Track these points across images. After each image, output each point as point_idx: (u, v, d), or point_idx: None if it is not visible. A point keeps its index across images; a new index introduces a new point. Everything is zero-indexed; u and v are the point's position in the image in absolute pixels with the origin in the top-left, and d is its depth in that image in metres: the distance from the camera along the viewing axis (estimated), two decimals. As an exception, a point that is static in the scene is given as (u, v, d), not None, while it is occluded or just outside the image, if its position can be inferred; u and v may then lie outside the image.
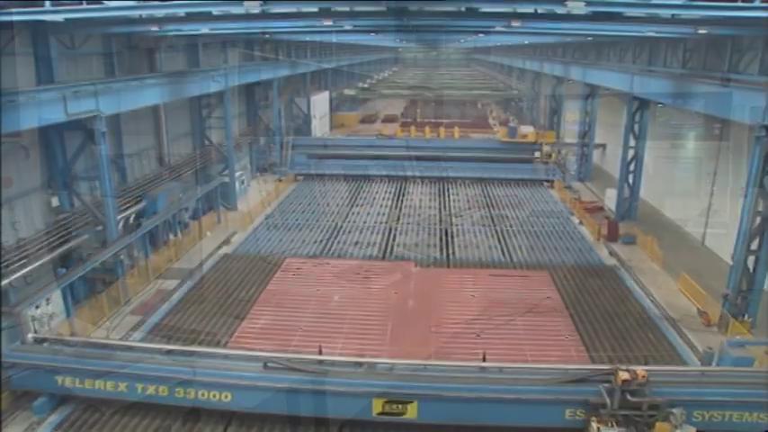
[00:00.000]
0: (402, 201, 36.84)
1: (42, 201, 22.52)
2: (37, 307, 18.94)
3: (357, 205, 35.67)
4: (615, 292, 23.17)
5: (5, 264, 19.35)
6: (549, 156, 46.05)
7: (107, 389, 15.85)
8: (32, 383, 16.37)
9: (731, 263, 21.39)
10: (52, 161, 22.68)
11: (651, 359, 17.54)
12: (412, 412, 14.95)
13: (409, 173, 42.23)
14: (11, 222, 20.67)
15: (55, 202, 22.84)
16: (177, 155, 33.57)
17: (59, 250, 21.96)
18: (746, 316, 21.13)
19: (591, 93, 42.76)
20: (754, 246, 20.70)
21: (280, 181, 42.39)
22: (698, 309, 22.47)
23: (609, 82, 37.00)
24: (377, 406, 14.99)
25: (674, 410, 14.00)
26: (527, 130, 45.57)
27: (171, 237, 29.14)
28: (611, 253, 28.64)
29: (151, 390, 15.62)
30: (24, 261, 20.19)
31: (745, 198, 20.40)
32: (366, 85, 78.12)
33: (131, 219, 26.47)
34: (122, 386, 15.74)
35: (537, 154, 44.79)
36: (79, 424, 15.66)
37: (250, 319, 20.92)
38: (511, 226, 31.64)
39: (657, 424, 13.83)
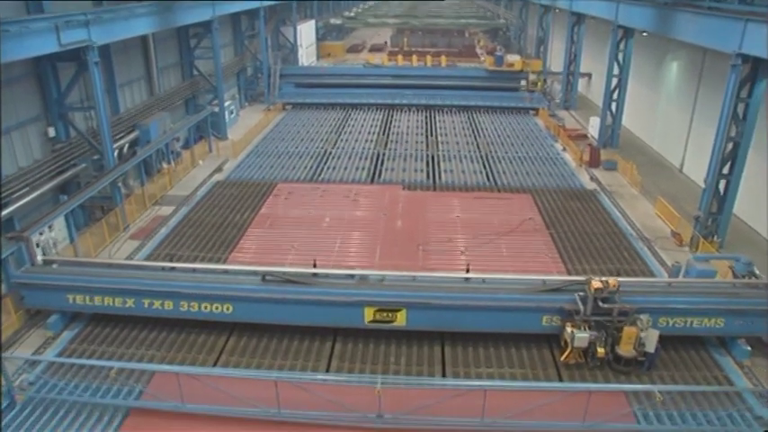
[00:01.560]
0: (389, 128, 37.25)
1: (39, 131, 22.92)
2: (41, 234, 19.66)
3: (345, 133, 36.15)
4: (594, 215, 24.22)
5: (8, 192, 19.93)
6: (535, 84, 46.45)
7: (115, 305, 16.84)
8: (44, 302, 17.32)
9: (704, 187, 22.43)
10: (46, 92, 22.94)
11: (623, 272, 18.74)
12: (401, 320, 16.09)
13: (396, 101, 42.51)
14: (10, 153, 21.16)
15: (51, 132, 23.22)
16: (167, 85, 33.74)
17: (59, 179, 22.59)
18: (716, 237, 22.33)
19: (577, 21, 42.72)
20: (725, 170, 21.65)
21: (268, 110, 42.50)
22: (671, 230, 23.68)
23: (595, 10, 37.06)
24: (368, 314, 16.10)
25: (642, 316, 15.27)
26: (513, 58, 45.56)
27: (164, 165, 29.75)
28: (592, 178, 29.69)
29: (156, 304, 16.61)
30: (26, 189, 20.83)
31: (719, 124, 21.22)
32: (352, 14, 76.79)
33: (125, 148, 27.02)
34: (129, 302, 16.72)
35: (523, 82, 45.06)
36: (91, 338, 16.68)
37: (246, 239, 21.80)
38: (495, 152, 32.40)
39: (625, 328, 15.06)
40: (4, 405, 13.84)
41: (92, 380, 14.58)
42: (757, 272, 17.56)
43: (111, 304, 16.83)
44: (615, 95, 34.13)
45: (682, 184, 29.28)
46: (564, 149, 33.78)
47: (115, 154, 24.89)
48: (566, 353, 15.45)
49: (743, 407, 14.06)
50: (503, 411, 13.09)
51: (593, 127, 36.78)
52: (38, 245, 19.04)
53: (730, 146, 21.28)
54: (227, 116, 37.47)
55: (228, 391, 13.53)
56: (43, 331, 17.18)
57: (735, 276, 17.60)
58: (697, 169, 27.63)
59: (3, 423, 13.38)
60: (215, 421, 13.35)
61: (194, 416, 13.47)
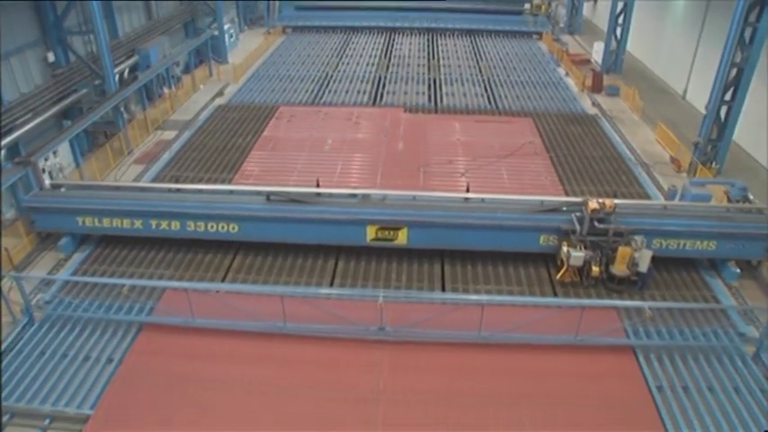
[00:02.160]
0: (391, 52, 36.69)
1: (38, 56, 22.59)
2: (46, 159, 19.74)
3: (346, 56, 35.57)
4: (594, 139, 24.27)
5: (11, 118, 19.89)
6: (540, 8, 45.30)
7: (124, 226, 17.16)
8: (55, 225, 17.63)
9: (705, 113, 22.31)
10: (44, 16, 22.47)
11: (620, 195, 18.92)
12: (402, 238, 16.49)
13: (398, 24, 41.59)
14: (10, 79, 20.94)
15: (51, 57, 22.91)
16: (165, 9, 32.98)
17: (61, 104, 22.45)
18: (714, 163, 22.39)
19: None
20: (727, 96, 21.45)
21: (268, 33, 41.67)
22: (670, 156, 23.76)
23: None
24: (370, 232, 16.48)
25: (636, 237, 15.64)
26: (517, -20, 44.45)
27: (165, 90, 29.47)
28: (594, 103, 29.50)
29: (164, 224, 16.93)
30: (29, 115, 20.76)
31: (725, 48, 20.89)
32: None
33: (126, 73, 26.70)
34: (138, 223, 17.04)
35: (527, 6, 43.97)
36: (101, 259, 17.09)
37: (249, 162, 21.96)
38: (498, 76, 32.03)
39: (620, 248, 15.43)
40: (23, 322, 14.44)
41: (105, 298, 15.13)
42: (751, 197, 17.83)
43: (119, 225, 17.15)
44: (620, 20, 33.39)
45: (684, 110, 29.09)
46: (566, 74, 33.39)
47: (116, 79, 24.66)
48: (561, 271, 15.92)
49: (727, 324, 14.66)
50: (499, 325, 13.64)
51: (597, 52, 36.20)
52: (44, 170, 19.17)
53: (734, 72, 21.00)
54: (226, 40, 36.79)
55: (236, 306, 14.08)
56: (55, 253, 17.57)
57: (729, 201, 17.89)
58: (700, 96, 27.20)
59: (23, 339, 13.99)
60: (223, 335, 13.92)
61: (204, 330, 14.04)
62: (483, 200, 17.07)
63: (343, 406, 12.23)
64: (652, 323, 14.36)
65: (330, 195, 17.22)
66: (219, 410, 12.14)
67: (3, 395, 12.49)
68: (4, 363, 13.36)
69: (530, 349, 13.65)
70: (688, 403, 12.54)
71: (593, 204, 15.45)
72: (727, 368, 13.48)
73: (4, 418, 12.16)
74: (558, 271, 16.07)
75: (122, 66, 26.37)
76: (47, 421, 12.14)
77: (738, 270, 16.72)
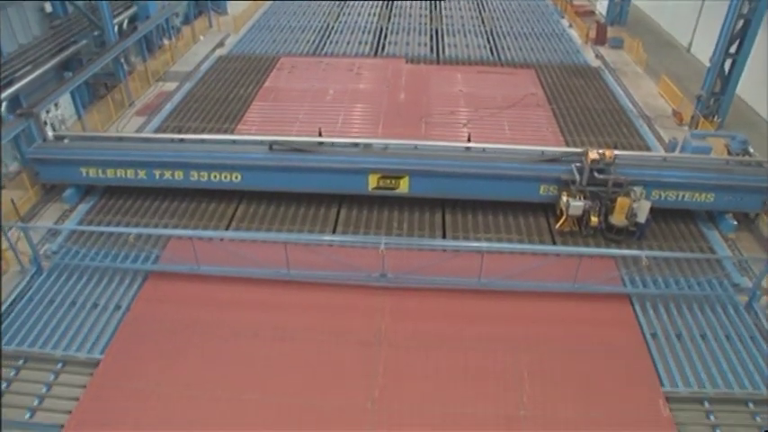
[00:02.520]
0: (393, 2, 35.83)
1: (35, 6, 22.29)
2: (47, 111, 19.70)
3: (348, 6, 34.96)
4: (597, 92, 24.10)
5: (11, 70, 19.75)
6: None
7: (127, 176, 17.29)
8: (59, 176, 17.76)
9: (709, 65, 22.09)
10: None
11: (621, 147, 18.94)
12: (403, 186, 16.65)
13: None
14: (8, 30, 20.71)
15: (48, 7, 22.61)
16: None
17: (61, 56, 22.26)
18: (716, 117, 22.33)
19: None
20: (732, 49, 21.20)
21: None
22: (673, 109, 23.65)
23: None
24: (372, 181, 16.63)
25: (635, 188, 15.78)
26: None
27: (165, 41, 29.17)
28: (597, 55, 29.19)
29: (167, 174, 17.06)
30: (29, 67, 20.61)
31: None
32: None
33: (125, 24, 26.36)
34: (141, 173, 17.16)
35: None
36: (106, 210, 17.25)
37: (250, 112, 21.93)
38: (500, 27, 31.60)
39: (619, 199, 15.57)
40: (32, 272, 14.70)
41: (111, 247, 15.39)
42: (752, 150, 17.85)
43: (123, 176, 17.27)
44: (626, -31, 32.77)
45: (688, 64, 28.78)
46: (570, 26, 32.91)
47: (115, 30, 24.39)
48: (561, 220, 16.11)
49: (722, 274, 14.89)
50: (499, 272, 13.89)
51: (602, 3, 35.60)
52: (46, 123, 19.17)
53: (740, 23, 20.72)
54: (225, -10, 36.17)
55: (240, 254, 14.32)
56: (60, 204, 17.77)
57: (729, 154, 17.92)
58: (705, 49, 26.78)
59: (32, 288, 14.28)
60: (228, 282, 14.20)
61: (209, 277, 14.31)
62: (484, 149, 17.12)
63: (346, 349, 12.61)
64: (648, 272, 14.61)
65: (332, 144, 17.28)
66: (225, 354, 12.53)
67: (16, 341, 12.89)
68: (15, 310, 13.69)
69: (528, 296, 13.94)
70: (681, 350, 12.91)
71: (593, 155, 15.52)
72: (720, 317, 13.79)
73: (19, 362, 12.53)
74: (558, 220, 16.26)
75: (121, 16, 26.06)
76: (59, 365, 12.50)
77: (735, 222, 16.90)
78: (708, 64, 22.16)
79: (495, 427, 11.11)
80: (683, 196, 16.50)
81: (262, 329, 13.08)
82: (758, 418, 11.60)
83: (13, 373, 12.36)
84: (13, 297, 14.12)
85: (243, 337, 12.90)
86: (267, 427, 11.09)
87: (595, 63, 27.92)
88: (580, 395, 11.74)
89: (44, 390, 12.02)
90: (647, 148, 19.91)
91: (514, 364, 12.28)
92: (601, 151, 15.70)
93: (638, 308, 13.88)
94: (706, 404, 11.85)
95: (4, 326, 13.26)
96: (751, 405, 11.82)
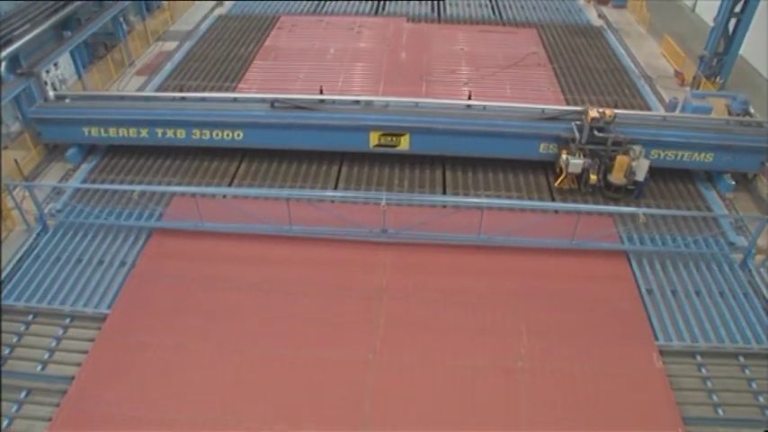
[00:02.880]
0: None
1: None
2: (47, 72, 19.56)
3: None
4: (599, 51, 23.97)
5: (10, 29, 19.54)
6: None
7: (130, 135, 17.33)
8: (61, 136, 17.81)
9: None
10: None
11: (621, 106, 18.90)
12: (404, 144, 16.74)
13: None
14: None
15: (44, -36, 22.21)
16: None
17: (59, 14, 21.87)
18: (719, 78, 22.18)
19: None
20: (738, 8, 20.92)
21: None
22: (675, 70, 23.52)
23: None
24: (373, 138, 16.72)
25: (635, 147, 15.83)
26: None
27: (164, 0, 28.81)
28: (600, 15, 28.92)
29: (170, 133, 17.10)
30: (27, 26, 20.36)
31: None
32: None
33: (123, -18, 25.97)
34: (144, 132, 17.19)
35: None
36: (109, 169, 17.35)
37: (251, 71, 21.87)
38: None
39: (618, 157, 15.66)
40: (38, 230, 14.87)
41: (115, 205, 15.54)
42: (752, 110, 17.84)
43: (125, 135, 17.31)
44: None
45: (692, 24, 28.40)
46: (573, -16, 32.42)
47: (114, -13, 24.06)
48: (560, 178, 16.27)
49: (718, 233, 15.06)
50: (498, 228, 14.09)
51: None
52: (46, 83, 19.07)
53: (748, -19, 20.49)
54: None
55: (243, 210, 14.48)
56: (63, 164, 17.85)
57: (730, 114, 17.92)
58: (710, 9, 26.49)
59: (39, 246, 14.47)
60: (231, 238, 14.41)
61: (212, 234, 14.51)
62: (485, 107, 17.16)
63: (348, 303, 12.90)
64: (646, 230, 14.81)
65: (333, 102, 17.32)
66: (229, 308, 12.80)
67: (25, 297, 13.14)
68: (22, 268, 13.90)
69: (527, 252, 14.17)
70: (675, 305, 13.19)
71: (593, 113, 15.57)
72: (714, 274, 14.03)
73: (29, 318, 12.82)
74: (557, 178, 16.41)
75: (119, -26, 25.66)
76: (68, 320, 12.79)
77: (734, 182, 17.02)
78: (711, 23, 21.93)
79: (493, 377, 11.44)
80: (682, 156, 16.57)
81: (264, 284, 13.33)
82: (747, 371, 11.95)
83: (23, 328, 12.65)
84: (20, 255, 14.30)
85: (246, 292, 13.17)
86: (270, 378, 11.42)
87: (598, 23, 27.66)
88: (576, 348, 12.04)
89: (54, 343, 12.32)
90: (648, 109, 19.90)
91: (513, 317, 12.57)
92: (601, 110, 15.75)
93: (634, 264, 14.11)
94: (698, 357, 12.17)
95: (12, 283, 13.50)
96: (741, 359, 12.15)
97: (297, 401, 11.04)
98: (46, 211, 15.35)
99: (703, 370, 11.97)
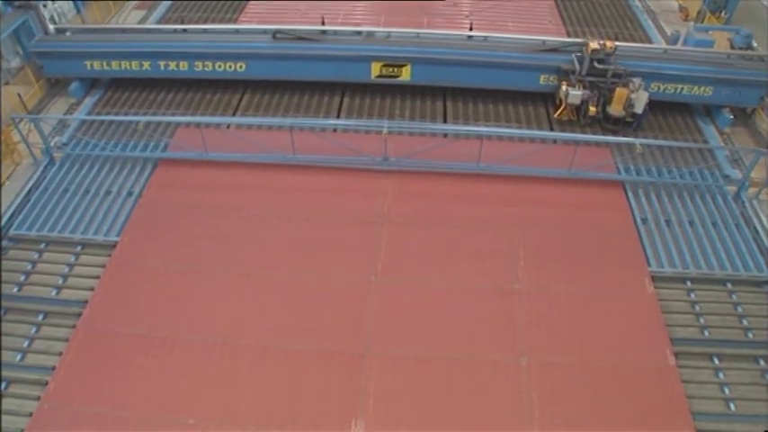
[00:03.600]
0: None
1: None
2: (44, 5, 19.23)
3: None
4: (602, -16, 23.56)
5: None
6: None
7: (132, 68, 17.27)
8: (63, 70, 17.74)
9: (721, -46, 21.40)
10: None
11: (623, 39, 18.82)
12: (406, 74, 16.77)
13: None
14: None
15: None
16: None
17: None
18: (724, 13, 21.82)
19: None
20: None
21: None
22: (679, 4, 23.17)
23: None
24: (375, 69, 16.73)
25: (634, 79, 15.83)
26: None
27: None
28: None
29: (172, 65, 17.06)
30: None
31: None
32: None
33: None
34: (146, 64, 17.14)
35: None
36: (112, 102, 17.41)
37: (252, 4, 21.63)
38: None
39: (617, 89, 15.69)
40: (44, 163, 15.06)
41: (120, 137, 15.69)
42: (755, 45, 17.74)
43: (128, 68, 17.26)
44: None
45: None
46: None
47: None
48: (559, 109, 16.38)
49: (713, 164, 15.25)
50: (497, 158, 14.32)
51: None
52: (45, 16, 18.86)
53: None
54: None
55: (247, 139, 14.68)
56: (66, 98, 17.83)
57: (732, 48, 17.81)
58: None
59: (46, 178, 14.68)
60: (236, 167, 14.66)
61: (217, 163, 14.76)
62: (486, 38, 17.09)
63: (350, 227, 13.28)
64: (642, 161, 15.04)
65: (335, 33, 17.26)
66: (235, 233, 13.19)
67: (36, 227, 13.46)
68: (32, 200, 14.17)
69: (526, 180, 14.44)
70: (668, 234, 13.55)
71: (593, 45, 15.56)
72: (708, 205, 14.34)
73: (41, 246, 13.17)
74: (557, 110, 16.52)
75: None
76: (79, 248, 13.18)
77: (732, 117, 17.03)
78: (722, -47, 21.49)
79: (491, 298, 11.91)
80: (682, 89, 16.58)
81: (268, 210, 13.68)
82: (734, 297, 12.44)
83: (36, 256, 13.06)
84: (28, 187, 14.57)
85: (250, 218, 13.53)
86: (275, 298, 11.91)
87: (602, -44, 27.00)
88: (571, 272, 12.49)
89: (67, 270, 12.75)
90: (650, 42, 19.75)
91: (510, 242, 12.95)
92: (601, 42, 15.73)
93: (630, 194, 14.41)
94: (688, 283, 12.64)
95: (23, 214, 13.82)
96: (729, 285, 12.62)
97: (302, 319, 11.56)
98: (52, 144, 15.49)
99: (692, 295, 12.44)
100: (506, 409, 10.35)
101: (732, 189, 14.77)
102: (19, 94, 16.76)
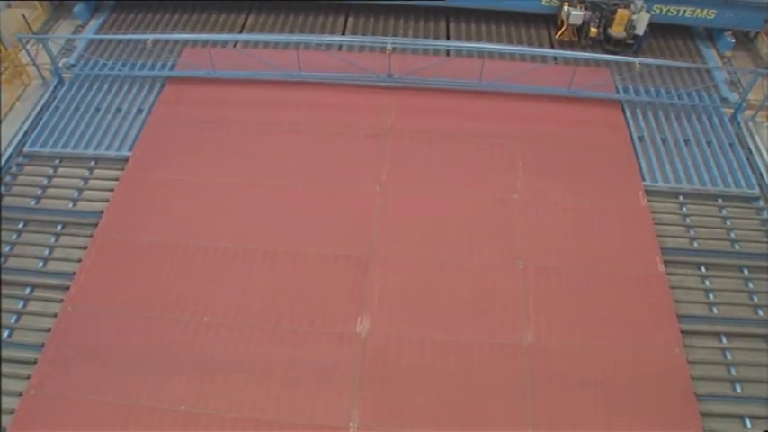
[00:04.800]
0: None
1: None
2: None
3: None
4: None
5: None
6: None
7: (137, -11, 16.98)
8: (66, -12, 17.40)
9: None
10: None
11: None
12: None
13: None
14: None
15: None
16: None
17: None
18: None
19: None
20: None
21: None
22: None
23: None
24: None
25: (636, 0, 15.65)
26: None
27: None
28: None
29: (177, -15, 16.83)
30: None
31: None
32: None
33: None
34: (151, -16, 16.85)
35: None
36: (118, 24, 17.29)
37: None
38: None
39: (619, 10, 15.55)
40: (54, 83, 15.13)
41: (128, 57, 15.69)
42: (767, -34, 17.42)
43: (132, -11, 17.00)
44: None
45: None
46: None
47: None
48: (561, 30, 16.29)
49: (711, 86, 15.31)
50: (498, 75, 14.42)
51: None
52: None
53: None
54: None
55: (254, 57, 14.76)
56: (71, 21, 17.67)
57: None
58: None
59: (57, 98, 14.80)
60: (243, 84, 14.82)
61: (225, 81, 14.90)
62: (490, -43, 16.87)
63: (355, 140, 13.56)
64: (641, 82, 15.12)
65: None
66: (243, 145, 13.49)
67: (49, 144, 13.71)
68: (43, 118, 14.36)
69: (526, 98, 14.58)
70: (664, 152, 13.82)
71: (596, -36, 15.37)
72: (704, 125, 14.50)
73: (56, 162, 13.47)
74: (558, 31, 16.44)
75: None
76: (92, 163, 13.49)
77: (734, 40, 16.88)
78: None
79: (491, 207, 12.28)
80: (684, 12, 16.39)
81: (275, 125, 13.90)
82: (724, 212, 12.82)
83: (51, 172, 13.38)
84: (39, 107, 14.71)
85: (258, 131, 13.77)
86: (283, 207, 12.30)
87: None
88: (568, 184, 12.80)
89: (81, 184, 13.09)
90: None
91: (510, 155, 13.23)
92: (605, -41, 15.51)
93: (628, 113, 14.57)
94: (681, 198, 12.99)
95: (35, 132, 14.03)
96: (720, 200, 13.01)
97: (309, 225, 11.99)
98: (60, 64, 15.52)
99: (684, 209, 12.82)
100: (503, 309, 10.87)
101: (729, 112, 14.86)
102: (24, 16, 16.64)
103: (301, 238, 11.75)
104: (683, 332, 10.74)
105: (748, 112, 14.86)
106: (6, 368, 10.45)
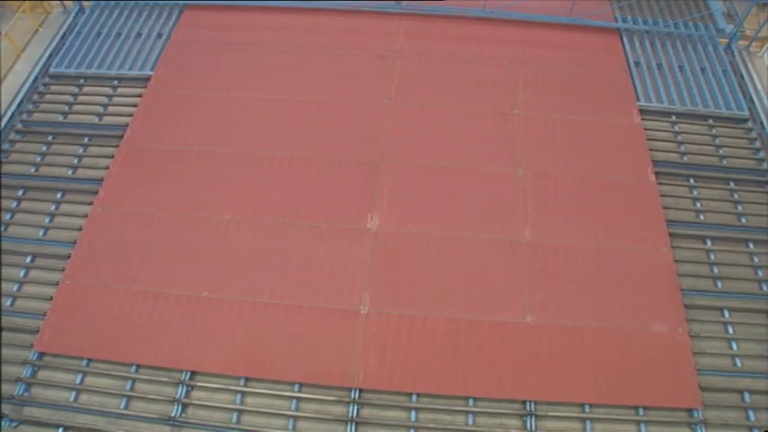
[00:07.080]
0: None
1: None
2: None
3: None
4: None
5: None
6: None
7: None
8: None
9: None
10: None
11: None
12: None
13: None
14: None
15: None
16: None
17: None
18: None
19: None
20: None
21: None
22: None
23: None
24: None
25: (637, -69, 15.67)
26: None
27: None
28: None
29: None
30: None
31: None
32: None
33: None
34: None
35: None
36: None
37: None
38: None
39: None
40: (75, 11, 15.23)
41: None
42: None
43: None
44: None
45: None
46: None
47: None
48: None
49: (707, 16, 15.34)
50: (502, 2, 14.58)
51: None
52: None
53: None
54: None
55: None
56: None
57: None
58: None
59: (78, 24, 14.96)
60: (258, 10, 14.99)
61: (241, 7, 15.05)
62: None
63: (365, 60, 13.79)
64: (639, 12, 15.17)
65: None
66: (260, 64, 13.78)
67: (74, 65, 13.96)
68: (66, 43, 14.53)
69: (528, 25, 14.71)
70: (659, 76, 13.97)
71: None
72: (699, 53, 14.60)
73: (80, 81, 13.77)
74: (561, -40, 16.45)
75: None
76: (115, 82, 13.75)
77: (731, -30, 16.89)
78: None
79: (492, 120, 12.59)
80: None
81: (290, 47, 14.08)
82: (714, 131, 13.08)
83: (76, 90, 13.67)
84: (62, 32, 14.85)
85: (273, 53, 13.97)
86: (297, 117, 12.67)
87: None
88: (566, 101, 13.05)
89: (106, 101, 13.39)
90: None
91: (511, 75, 13.46)
92: None
93: (626, 41, 14.65)
94: (673, 117, 13.23)
95: (60, 55, 14.23)
96: (710, 120, 13.25)
97: (323, 134, 12.34)
98: (77, -4, 15.66)
99: (676, 127, 13.07)
100: (503, 209, 11.29)
101: (724, 42, 14.95)
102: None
103: (316, 145, 12.11)
104: (671, 234, 11.18)
105: (743, 43, 14.93)
106: (42, 262, 11.06)
